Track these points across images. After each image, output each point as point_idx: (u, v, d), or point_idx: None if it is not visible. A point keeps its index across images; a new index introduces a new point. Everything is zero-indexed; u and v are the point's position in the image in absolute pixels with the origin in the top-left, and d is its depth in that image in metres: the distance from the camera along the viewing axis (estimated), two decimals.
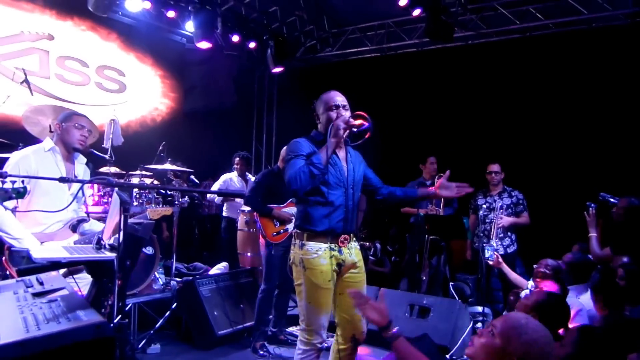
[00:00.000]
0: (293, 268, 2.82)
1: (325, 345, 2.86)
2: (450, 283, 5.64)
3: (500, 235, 5.27)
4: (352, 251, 2.84)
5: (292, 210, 4.50)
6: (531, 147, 6.32)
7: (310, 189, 2.67)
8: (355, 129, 2.71)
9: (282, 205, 4.49)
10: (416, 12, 6.08)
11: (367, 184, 3.02)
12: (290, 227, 4.44)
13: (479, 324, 4.60)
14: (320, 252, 2.71)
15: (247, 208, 5.16)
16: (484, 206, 5.46)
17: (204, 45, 6.62)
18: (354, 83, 7.51)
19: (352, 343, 2.86)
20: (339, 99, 2.81)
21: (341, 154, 2.87)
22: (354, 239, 2.89)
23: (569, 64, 6.10)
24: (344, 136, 2.70)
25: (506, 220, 5.23)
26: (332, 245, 2.74)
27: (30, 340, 1.37)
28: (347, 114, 2.78)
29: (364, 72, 7.67)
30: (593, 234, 3.82)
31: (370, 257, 6.72)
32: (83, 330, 1.44)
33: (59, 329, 1.44)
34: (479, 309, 4.81)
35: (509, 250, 5.28)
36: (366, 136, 2.72)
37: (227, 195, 6.22)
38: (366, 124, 2.68)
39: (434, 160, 6.04)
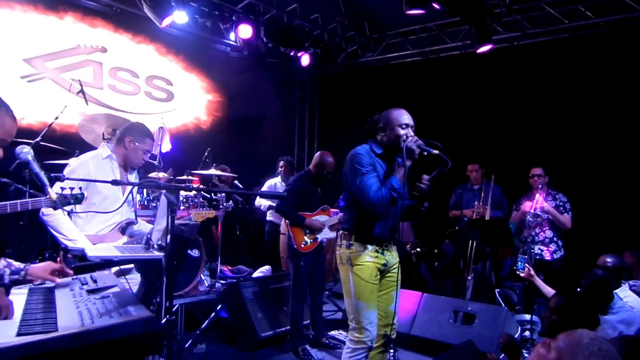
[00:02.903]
0: (340, 268, 2.96)
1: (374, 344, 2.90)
2: (496, 290, 5.49)
3: (546, 241, 5.11)
4: (393, 254, 3.00)
5: (322, 218, 4.51)
6: (580, 150, 6.07)
7: None
8: (425, 153, 2.79)
9: (313, 214, 4.50)
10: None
11: None
12: (320, 236, 4.45)
13: (527, 332, 4.45)
14: (367, 250, 2.87)
15: None
16: (530, 219, 5.29)
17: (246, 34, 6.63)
18: (395, 87, 7.48)
19: (385, 340, 2.97)
20: (408, 117, 2.91)
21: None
22: (392, 242, 3.02)
23: (621, 63, 5.82)
24: (417, 154, 2.78)
25: (547, 205, 5.07)
26: (377, 247, 2.90)
27: (85, 333, 1.46)
28: (412, 132, 2.89)
29: (406, 76, 7.62)
30: None
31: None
32: (133, 324, 1.51)
33: (111, 322, 1.52)
34: (527, 317, 4.64)
35: (555, 256, 5.12)
36: (446, 169, 2.77)
37: (267, 196, 6.31)
38: (447, 161, 2.74)
39: (473, 168, 5.89)
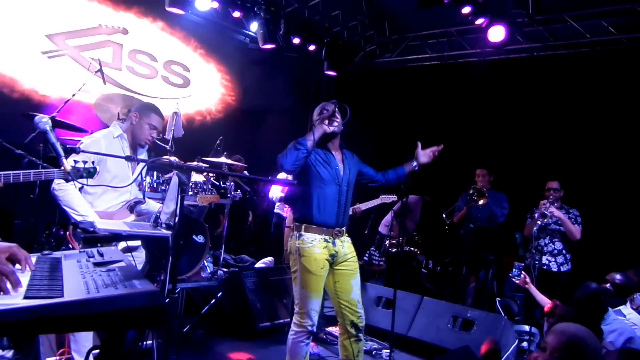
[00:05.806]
0: (290, 257, 3.13)
1: (314, 330, 3.12)
2: (497, 299, 5.47)
3: (555, 252, 5.08)
4: (345, 244, 3.18)
5: None
6: (594, 166, 6.01)
7: (296, 166, 3.02)
8: (336, 120, 3.17)
9: None
10: (479, 21, 5.92)
11: (363, 177, 3.37)
12: None
13: (525, 343, 4.44)
14: (315, 242, 3.03)
15: None
16: (538, 222, 5.26)
17: (268, 46, 6.81)
18: (411, 90, 7.46)
19: (354, 329, 3.12)
20: (330, 107, 3.26)
21: (337, 155, 3.23)
22: (346, 233, 3.22)
23: None
24: (327, 123, 3.11)
25: (557, 212, 5.01)
26: (327, 237, 3.07)
27: (91, 300, 1.48)
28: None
29: (423, 79, 7.59)
30: None
31: (422, 270, 6.55)
32: (138, 296, 1.53)
33: (116, 293, 1.53)
34: (526, 327, 4.63)
35: (562, 269, 5.09)
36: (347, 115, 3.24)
37: (281, 183, 6.28)
38: (345, 107, 3.22)
39: (481, 173, 5.84)
